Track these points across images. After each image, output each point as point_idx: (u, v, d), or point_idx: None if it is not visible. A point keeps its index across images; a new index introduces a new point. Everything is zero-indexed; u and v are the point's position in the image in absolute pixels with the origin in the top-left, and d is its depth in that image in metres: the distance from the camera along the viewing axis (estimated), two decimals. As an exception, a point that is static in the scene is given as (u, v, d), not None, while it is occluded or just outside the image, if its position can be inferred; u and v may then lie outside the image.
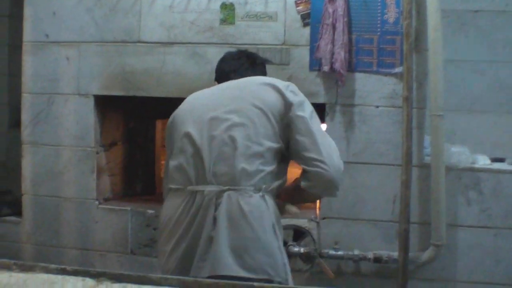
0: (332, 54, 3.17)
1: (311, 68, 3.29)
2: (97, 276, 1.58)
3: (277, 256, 2.11)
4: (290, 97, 2.14)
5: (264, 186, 2.10)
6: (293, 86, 2.20)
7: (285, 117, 2.13)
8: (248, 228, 2.06)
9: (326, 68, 3.18)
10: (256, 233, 2.06)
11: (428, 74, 3.14)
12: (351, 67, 3.24)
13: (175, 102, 3.52)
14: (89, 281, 1.56)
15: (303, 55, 3.31)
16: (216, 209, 2.09)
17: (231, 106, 2.17)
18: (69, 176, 3.69)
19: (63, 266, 1.66)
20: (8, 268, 1.65)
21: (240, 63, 2.44)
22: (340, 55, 3.14)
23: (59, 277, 1.58)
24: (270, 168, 2.12)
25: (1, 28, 4.39)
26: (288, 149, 2.16)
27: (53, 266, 1.66)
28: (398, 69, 3.18)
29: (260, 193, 2.10)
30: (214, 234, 2.07)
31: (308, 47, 3.29)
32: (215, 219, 2.08)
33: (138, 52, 3.53)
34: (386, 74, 3.22)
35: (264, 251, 2.08)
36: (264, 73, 2.47)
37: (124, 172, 4.02)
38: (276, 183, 2.15)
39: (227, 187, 2.09)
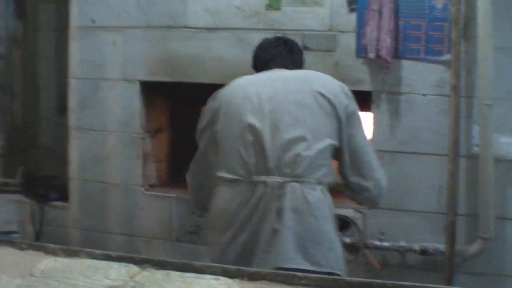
0: (378, 40, 3.33)
1: (358, 55, 3.45)
2: (141, 262, 1.77)
3: (337, 249, 2.31)
4: (343, 111, 2.36)
5: (325, 179, 2.31)
6: (346, 93, 2.44)
7: (339, 122, 2.36)
8: (313, 220, 2.23)
9: (372, 55, 3.35)
10: (321, 226, 2.25)
11: (477, 62, 3.27)
12: (398, 54, 3.38)
13: (219, 88, 3.81)
14: (133, 267, 1.74)
15: (349, 41, 3.48)
16: (279, 200, 2.23)
17: (291, 99, 2.34)
18: (115, 161, 4.00)
19: (107, 252, 1.86)
20: (53, 253, 1.86)
21: (278, 51, 2.62)
22: (386, 41, 3.32)
23: (103, 262, 1.77)
24: (328, 163, 2.33)
25: (48, 13, 4.69)
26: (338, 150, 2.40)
27: (97, 251, 1.86)
28: (446, 57, 3.33)
29: (321, 187, 2.29)
30: (279, 226, 2.21)
31: (355, 34, 3.45)
32: (279, 211, 2.22)
33: (183, 37, 3.77)
34: (433, 62, 3.37)
35: (328, 244, 2.26)
36: (300, 61, 2.69)
37: (170, 159, 4.29)
38: (332, 178, 2.36)
39: (290, 179, 2.24)
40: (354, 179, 2.43)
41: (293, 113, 2.31)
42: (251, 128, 2.31)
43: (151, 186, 4.06)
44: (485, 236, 3.30)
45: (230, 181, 2.34)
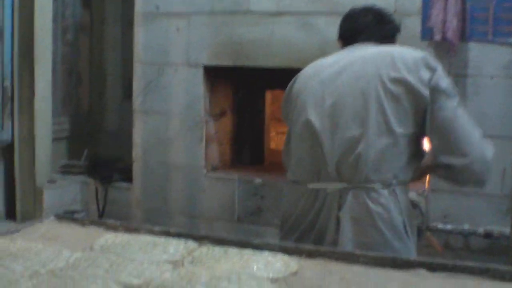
0: (444, 23, 3.29)
1: (423, 38, 3.41)
2: (199, 239, 1.79)
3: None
4: (426, 86, 1.99)
5: (394, 180, 2.01)
6: (427, 65, 2.04)
7: (421, 101, 2.00)
8: (375, 232, 2.00)
9: (437, 37, 3.31)
10: (385, 237, 2.00)
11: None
12: (464, 37, 3.34)
13: (284, 72, 3.80)
14: (191, 244, 1.75)
15: (415, 24, 3.43)
16: (339, 209, 2.04)
17: (355, 88, 2.05)
18: (178, 144, 4.03)
19: (166, 228, 1.88)
20: (115, 229, 1.90)
21: (367, 21, 2.28)
22: (453, 23, 3.27)
23: (162, 239, 1.78)
24: (403, 158, 2.02)
25: (114, 1, 4.78)
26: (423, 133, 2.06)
27: (157, 228, 1.88)
28: (516, 39, 3.28)
29: (390, 189, 2.01)
30: (338, 236, 2.03)
31: (420, 16, 3.41)
32: (338, 221, 2.04)
33: (247, 22, 3.78)
34: (502, 44, 3.31)
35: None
36: (392, 35, 2.34)
37: (233, 142, 4.32)
38: (409, 175, 2.06)
39: (351, 185, 2.01)
40: (444, 159, 2.03)
41: (355, 106, 2.03)
42: (310, 126, 2.09)
43: (214, 169, 4.09)
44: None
45: (294, 183, 2.18)
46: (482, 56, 3.35)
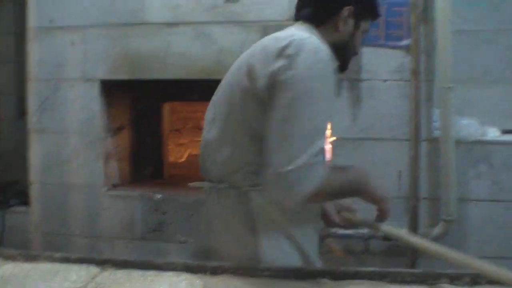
0: (337, 28, 3.35)
1: (318, 43, 3.47)
2: (101, 263, 1.77)
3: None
4: (268, 78, 1.71)
5: (246, 182, 1.84)
6: (284, 54, 1.71)
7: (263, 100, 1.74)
8: (214, 236, 1.94)
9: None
10: (218, 240, 1.93)
11: (436, 46, 3.32)
12: (358, 41, 3.41)
13: (182, 84, 3.79)
14: (93, 269, 1.74)
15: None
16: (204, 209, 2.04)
17: (226, 81, 1.94)
18: (77, 163, 3.93)
19: (67, 254, 1.83)
20: (13, 258, 1.83)
21: None
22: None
23: (63, 265, 1.75)
24: (252, 161, 1.82)
25: (6, 16, 4.65)
26: None
27: (57, 254, 1.83)
28: (405, 42, 3.37)
29: (240, 191, 1.85)
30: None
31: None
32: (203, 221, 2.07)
33: (143, 33, 3.75)
34: (393, 47, 3.40)
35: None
36: (331, 11, 1.91)
37: (132, 157, 4.26)
38: (260, 178, 1.79)
39: (212, 184, 1.92)
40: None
41: (218, 104, 1.93)
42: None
43: (114, 186, 4.02)
44: (448, 219, 3.32)
45: None
46: (375, 60, 3.44)
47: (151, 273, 1.71)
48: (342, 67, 1.95)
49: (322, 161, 1.67)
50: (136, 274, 1.71)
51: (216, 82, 1.98)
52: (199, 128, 5.42)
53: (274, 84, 1.69)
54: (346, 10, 1.90)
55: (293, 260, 1.84)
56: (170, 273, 1.71)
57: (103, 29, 3.82)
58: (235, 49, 3.52)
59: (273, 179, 1.65)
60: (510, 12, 3.49)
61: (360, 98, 3.45)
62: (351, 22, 1.92)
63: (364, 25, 1.96)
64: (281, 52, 1.71)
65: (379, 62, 3.43)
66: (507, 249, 3.36)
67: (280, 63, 1.69)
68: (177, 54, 3.70)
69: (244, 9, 3.59)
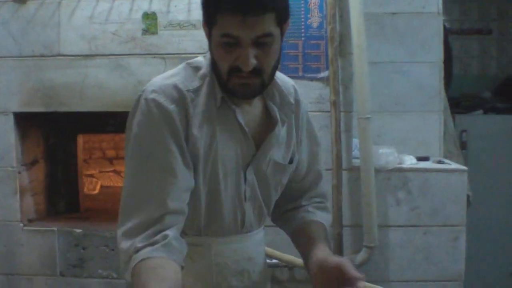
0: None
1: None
2: None
3: None
4: None
5: None
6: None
7: None
8: None
9: (251, 75, 3.45)
10: None
11: (353, 78, 3.47)
12: (278, 74, 3.51)
13: (98, 116, 3.77)
14: None
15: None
16: None
17: None
18: (-9, 198, 3.84)
19: None
20: None
21: None
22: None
23: None
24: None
25: None
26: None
27: None
28: (323, 74, 3.49)
29: None
30: None
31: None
32: None
33: (58, 65, 3.70)
34: (312, 79, 3.52)
35: None
36: None
37: (47, 191, 4.19)
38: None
39: None
40: None
41: None
42: None
43: (30, 221, 3.94)
44: (370, 245, 3.46)
45: None
46: (295, 91, 3.52)
47: None
48: (232, 93, 1.66)
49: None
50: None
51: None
52: (105, 158, 5.40)
53: None
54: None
55: None
56: None
57: (16, 61, 3.75)
58: (154, 81, 3.54)
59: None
60: (418, 45, 3.69)
61: (280, 129, 3.54)
62: (206, 31, 1.66)
63: (217, 29, 1.57)
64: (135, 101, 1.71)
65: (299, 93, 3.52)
66: (426, 272, 3.54)
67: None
68: (94, 86, 3.68)
69: (162, 42, 3.62)
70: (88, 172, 4.89)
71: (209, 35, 1.63)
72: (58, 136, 4.25)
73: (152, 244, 1.54)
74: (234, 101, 1.71)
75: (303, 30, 3.49)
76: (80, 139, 4.38)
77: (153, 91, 1.65)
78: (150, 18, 3.62)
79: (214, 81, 1.69)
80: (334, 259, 1.62)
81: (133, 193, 1.62)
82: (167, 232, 1.57)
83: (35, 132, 4.04)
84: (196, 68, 1.73)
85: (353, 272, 1.54)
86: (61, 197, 4.32)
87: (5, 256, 3.84)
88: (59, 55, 3.71)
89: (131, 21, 3.64)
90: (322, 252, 1.69)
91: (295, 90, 1.92)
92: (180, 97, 1.65)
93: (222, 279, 1.82)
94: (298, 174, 1.95)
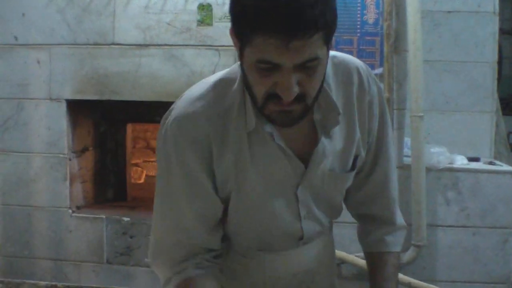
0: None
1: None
2: None
3: None
4: None
5: None
6: None
7: None
8: None
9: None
10: None
11: (407, 75, 3.51)
12: (331, 69, 3.56)
13: (149, 105, 3.85)
14: None
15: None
16: None
17: None
18: (41, 184, 3.96)
19: (53, 283, 1.82)
20: None
21: None
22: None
23: None
24: None
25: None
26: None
27: (42, 283, 1.82)
28: (378, 70, 3.53)
29: None
30: None
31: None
32: None
33: (112, 54, 3.80)
34: (366, 76, 3.55)
35: None
36: None
37: (95, 179, 4.30)
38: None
39: None
40: None
41: None
42: None
43: (79, 208, 4.05)
44: (419, 244, 3.50)
45: None
46: (349, 87, 3.56)
47: None
48: (269, 120, 1.43)
49: None
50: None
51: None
52: (149, 148, 5.48)
53: None
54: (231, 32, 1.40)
55: None
56: None
57: (70, 49, 3.85)
58: (206, 72, 3.61)
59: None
60: (471, 44, 3.70)
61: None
62: (236, 43, 1.38)
63: (251, 51, 1.30)
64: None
65: (353, 90, 3.57)
66: (474, 274, 3.57)
67: None
68: (147, 76, 3.77)
69: (217, 33, 3.69)
70: (133, 162, 4.98)
71: (240, 50, 1.36)
72: (108, 124, 4.34)
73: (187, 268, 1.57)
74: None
75: (358, 26, 3.53)
76: (129, 128, 4.47)
77: (176, 119, 1.50)
78: (205, 9, 3.69)
79: (246, 100, 1.48)
80: None
81: (161, 237, 1.61)
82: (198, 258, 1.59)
83: (86, 120, 4.15)
84: (229, 84, 1.52)
85: None
86: (109, 185, 4.43)
87: (53, 242, 3.96)
88: (113, 44, 3.81)
89: (186, 11, 3.72)
90: None
91: (360, 77, 1.60)
92: (204, 130, 1.49)
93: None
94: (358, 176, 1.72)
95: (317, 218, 1.68)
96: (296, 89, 1.31)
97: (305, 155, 1.55)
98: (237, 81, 1.49)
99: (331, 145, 1.57)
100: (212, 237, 1.60)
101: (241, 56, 1.36)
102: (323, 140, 1.54)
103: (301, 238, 1.67)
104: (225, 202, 1.58)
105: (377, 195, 1.75)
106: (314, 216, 1.67)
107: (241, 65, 1.39)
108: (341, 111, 1.52)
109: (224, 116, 1.49)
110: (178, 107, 1.52)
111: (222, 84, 1.52)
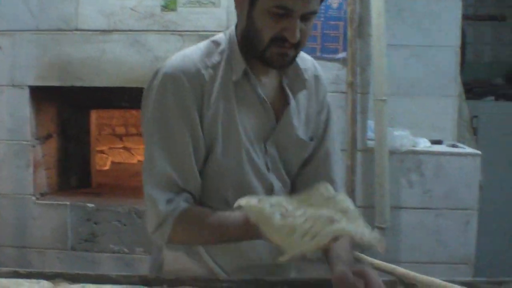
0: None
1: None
2: (52, 277, 1.74)
3: None
4: None
5: None
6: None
7: None
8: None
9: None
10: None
11: (371, 60, 3.58)
12: (295, 54, 3.60)
13: (113, 91, 3.86)
14: (45, 283, 1.70)
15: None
16: None
17: None
18: (5, 171, 3.94)
19: (15, 269, 1.80)
20: None
21: None
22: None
23: (12, 280, 1.70)
24: None
25: None
26: None
27: (4, 269, 1.81)
28: (341, 55, 3.59)
29: None
30: None
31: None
32: None
33: (75, 40, 3.79)
34: (329, 60, 3.62)
35: None
36: None
37: (59, 166, 4.29)
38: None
39: None
40: None
41: None
42: None
43: (43, 195, 4.04)
44: (382, 226, 3.58)
45: None
46: (313, 72, 3.62)
47: (107, 287, 1.71)
48: (264, 61, 1.73)
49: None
50: (91, 288, 1.70)
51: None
52: (115, 135, 5.49)
53: None
54: None
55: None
56: (126, 287, 1.71)
57: (34, 35, 3.83)
58: (170, 57, 3.62)
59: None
60: (435, 29, 3.76)
61: (296, 109, 3.63)
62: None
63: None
64: (150, 80, 1.82)
65: (316, 74, 3.62)
66: (436, 254, 3.66)
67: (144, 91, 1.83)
68: (111, 62, 3.77)
69: (181, 19, 3.71)
70: (98, 148, 4.98)
71: (250, 2, 1.67)
72: (72, 111, 4.33)
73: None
74: (254, 73, 1.81)
75: (322, 11, 3.57)
76: (94, 115, 4.46)
77: (172, 66, 1.75)
78: (169, -6, 3.71)
79: (233, 55, 1.79)
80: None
81: (160, 167, 1.75)
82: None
83: (49, 106, 4.13)
84: (217, 44, 1.82)
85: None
86: (73, 172, 4.42)
87: (17, 229, 3.95)
88: (76, 30, 3.79)
89: (150, -3, 3.73)
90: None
91: (315, 67, 2.01)
92: (198, 76, 1.74)
93: (251, 249, 1.91)
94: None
95: (281, 174, 1.91)
96: (298, 35, 1.63)
97: (276, 115, 1.84)
98: (224, 42, 1.81)
99: (297, 111, 1.88)
100: (196, 179, 1.79)
101: (251, 7, 1.67)
102: (292, 102, 1.86)
103: (271, 190, 1.87)
104: (208, 148, 1.78)
105: (319, 174, 1.93)
106: (278, 171, 1.90)
107: (249, 14, 1.69)
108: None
109: (213, 68, 1.76)
110: (173, 61, 1.77)
111: (210, 45, 1.82)
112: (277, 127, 1.85)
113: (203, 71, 1.74)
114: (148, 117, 1.77)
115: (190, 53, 1.79)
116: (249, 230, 1.56)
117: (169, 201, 1.74)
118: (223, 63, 1.78)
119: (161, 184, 1.75)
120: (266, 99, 1.81)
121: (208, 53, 1.79)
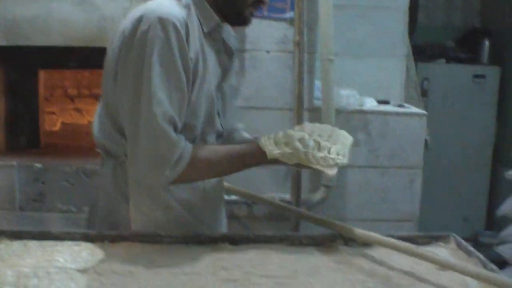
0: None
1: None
2: None
3: None
4: (116, 57, 1.88)
5: (121, 153, 1.96)
6: (132, 29, 1.82)
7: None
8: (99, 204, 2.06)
9: (216, 14, 3.55)
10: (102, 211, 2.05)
11: (318, 20, 3.60)
12: (242, 13, 3.62)
13: (61, 50, 3.84)
14: None
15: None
16: None
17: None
18: (-50, 132, 3.92)
19: None
20: None
21: None
22: (230, 0, 3.53)
23: None
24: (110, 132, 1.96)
25: None
26: None
27: None
28: (289, 14, 3.61)
29: (117, 160, 1.98)
30: None
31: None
32: None
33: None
34: (277, 20, 3.64)
35: None
36: None
37: (7, 126, 4.24)
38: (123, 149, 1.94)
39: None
40: None
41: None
42: None
43: (-11, 156, 4.01)
44: (328, 184, 3.66)
45: None
46: (259, 31, 3.65)
47: (49, 243, 1.72)
48: (238, 19, 1.99)
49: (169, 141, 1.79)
50: (33, 244, 1.72)
51: (98, 50, 2.18)
52: (67, 97, 5.45)
53: (119, 61, 1.86)
54: None
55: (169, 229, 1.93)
56: (69, 243, 1.73)
57: (-23, -6, 3.78)
58: (118, 17, 3.61)
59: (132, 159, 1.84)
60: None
61: (243, 68, 3.67)
62: None
63: None
64: (134, 26, 1.81)
65: (263, 33, 3.65)
66: (382, 212, 3.75)
67: (124, 39, 1.84)
68: (57, 21, 3.73)
69: (128, -23, 3.69)
70: (49, 110, 4.95)
71: None
72: (19, 71, 4.29)
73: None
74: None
75: (269, -30, 3.58)
76: (42, 75, 4.43)
77: (164, 12, 1.78)
78: (116, -49, 3.67)
79: (202, 10, 1.92)
80: None
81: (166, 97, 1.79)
82: None
83: (-5, 66, 4.09)
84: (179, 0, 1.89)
85: None
86: (21, 132, 4.39)
87: (-37, 190, 3.93)
88: (22, -12, 3.75)
89: (97, -46, 3.69)
90: None
91: None
92: (185, 24, 1.80)
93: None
94: None
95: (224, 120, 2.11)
96: None
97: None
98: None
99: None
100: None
101: None
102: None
103: (221, 134, 2.10)
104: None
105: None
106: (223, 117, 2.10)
107: None
108: None
109: (187, 16, 1.84)
110: (159, 7, 1.80)
111: (173, 1, 1.86)
112: (226, 74, 2.09)
113: (187, 20, 1.82)
114: (151, 60, 1.76)
115: (167, 4, 1.83)
116: (263, 156, 1.81)
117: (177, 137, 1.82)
118: (192, 17, 1.87)
119: (168, 123, 1.79)
120: (231, 47, 2.09)
121: (178, 5, 1.86)
